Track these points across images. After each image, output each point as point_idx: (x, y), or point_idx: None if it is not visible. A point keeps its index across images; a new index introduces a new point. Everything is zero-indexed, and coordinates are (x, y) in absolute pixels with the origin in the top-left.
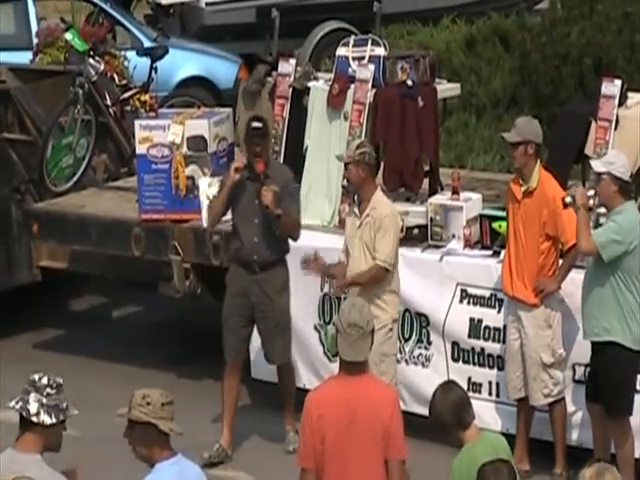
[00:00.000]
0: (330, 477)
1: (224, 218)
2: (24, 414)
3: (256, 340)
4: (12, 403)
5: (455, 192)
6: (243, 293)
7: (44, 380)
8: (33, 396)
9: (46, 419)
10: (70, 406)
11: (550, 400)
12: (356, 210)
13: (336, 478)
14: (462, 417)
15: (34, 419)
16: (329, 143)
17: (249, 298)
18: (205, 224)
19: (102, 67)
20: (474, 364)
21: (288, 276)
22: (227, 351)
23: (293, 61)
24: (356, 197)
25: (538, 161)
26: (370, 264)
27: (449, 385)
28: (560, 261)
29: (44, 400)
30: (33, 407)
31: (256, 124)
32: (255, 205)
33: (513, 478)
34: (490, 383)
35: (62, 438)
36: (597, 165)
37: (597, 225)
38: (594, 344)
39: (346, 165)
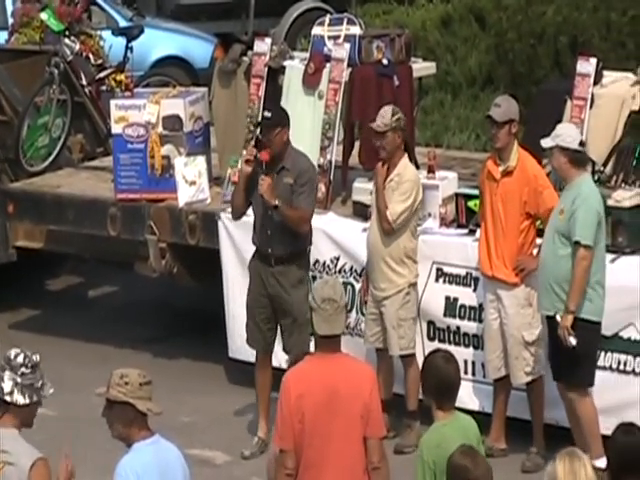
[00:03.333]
0: (310, 456)
1: (197, 198)
2: None
3: (234, 320)
4: None
5: (431, 171)
6: (262, 283)
7: (19, 359)
8: (7, 374)
9: (19, 399)
10: (46, 385)
11: (531, 378)
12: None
13: (316, 456)
14: (443, 399)
15: (7, 398)
16: (304, 122)
17: (267, 289)
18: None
19: (78, 47)
20: (450, 343)
21: (306, 270)
22: (253, 343)
23: (269, 40)
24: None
25: (516, 140)
26: None
27: (450, 360)
28: (538, 239)
29: (18, 379)
30: (7, 386)
31: (265, 114)
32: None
33: (488, 466)
34: (466, 362)
35: (36, 415)
36: (546, 142)
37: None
38: (552, 319)
39: (383, 133)
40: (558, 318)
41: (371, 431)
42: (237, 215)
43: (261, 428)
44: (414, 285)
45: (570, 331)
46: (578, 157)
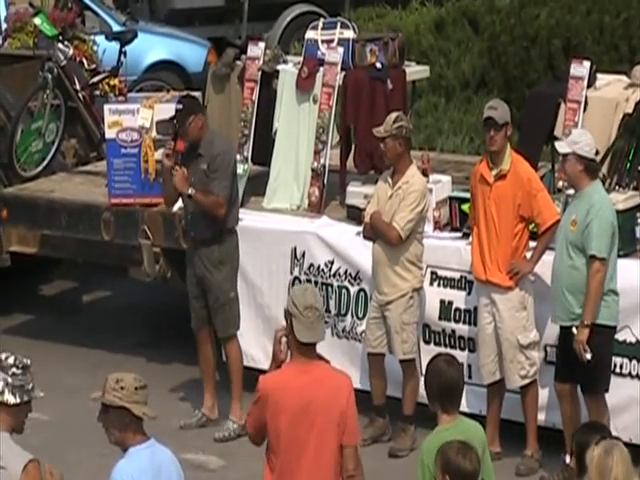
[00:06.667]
0: (286, 463)
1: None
2: None
3: None
4: None
5: (425, 174)
6: (192, 265)
7: (10, 360)
8: None
9: (10, 399)
10: (36, 388)
11: (527, 381)
12: (389, 179)
13: (292, 464)
14: (446, 402)
15: None
16: (298, 126)
17: (195, 270)
18: None
19: (71, 52)
20: (445, 346)
21: (228, 252)
22: (192, 320)
23: (262, 44)
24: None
25: (509, 143)
26: None
27: (453, 363)
28: (531, 243)
29: (9, 380)
30: None
31: (177, 105)
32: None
33: (478, 462)
34: (462, 365)
35: (26, 420)
36: (562, 146)
37: (566, 205)
38: (566, 328)
39: (383, 139)
40: (574, 331)
41: (347, 439)
42: (170, 204)
43: (205, 403)
44: (418, 290)
45: (585, 346)
46: (592, 166)
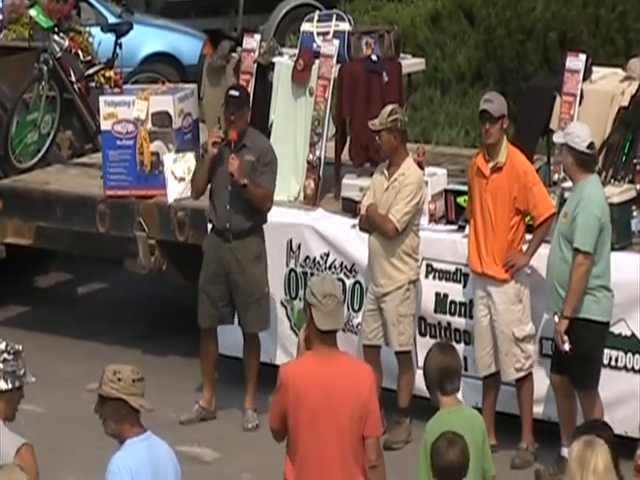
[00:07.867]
0: (307, 454)
1: (186, 194)
2: None
3: None
4: None
5: (420, 167)
6: (218, 261)
7: (1, 346)
8: None
9: (2, 384)
10: (28, 373)
11: (522, 374)
12: (385, 171)
13: (313, 455)
14: (445, 383)
15: None
16: (294, 118)
17: (223, 266)
18: (190, 196)
19: (67, 43)
20: (441, 338)
21: (263, 246)
22: (202, 317)
23: (258, 37)
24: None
25: (505, 136)
26: None
27: (448, 347)
28: (527, 235)
29: (0, 365)
30: None
31: (233, 92)
32: (228, 173)
33: (466, 453)
34: None
35: (18, 406)
36: (558, 137)
37: (562, 200)
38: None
39: (378, 132)
40: (556, 320)
41: (369, 430)
42: (199, 194)
43: (204, 396)
44: (414, 282)
45: (564, 337)
46: (584, 159)
